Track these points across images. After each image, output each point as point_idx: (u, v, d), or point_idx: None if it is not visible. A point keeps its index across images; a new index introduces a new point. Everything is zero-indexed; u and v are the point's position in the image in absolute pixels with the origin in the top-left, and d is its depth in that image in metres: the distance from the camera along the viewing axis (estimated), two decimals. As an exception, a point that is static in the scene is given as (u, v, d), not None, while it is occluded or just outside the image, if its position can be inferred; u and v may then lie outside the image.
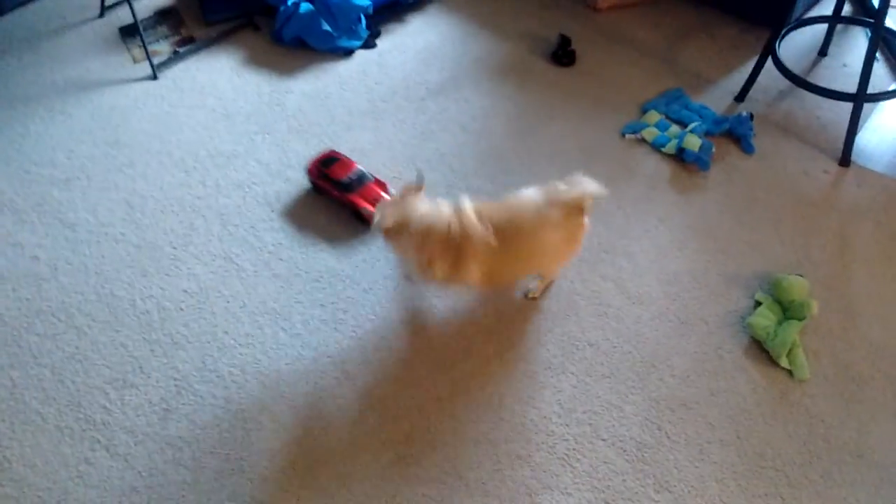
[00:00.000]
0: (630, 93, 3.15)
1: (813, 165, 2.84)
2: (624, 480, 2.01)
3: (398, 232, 2.09)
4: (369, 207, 2.55)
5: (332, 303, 2.40)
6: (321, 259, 2.51)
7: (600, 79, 3.21)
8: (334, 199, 2.65)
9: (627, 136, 2.94)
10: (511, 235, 2.06)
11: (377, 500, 1.96)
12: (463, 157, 2.87)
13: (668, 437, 2.10)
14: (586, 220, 2.14)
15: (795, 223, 2.64)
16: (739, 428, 2.12)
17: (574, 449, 2.07)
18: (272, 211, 2.67)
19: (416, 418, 2.12)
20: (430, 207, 2.11)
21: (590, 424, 2.12)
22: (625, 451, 2.07)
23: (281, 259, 2.52)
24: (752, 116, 2.92)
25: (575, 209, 2.09)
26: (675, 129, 2.94)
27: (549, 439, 2.09)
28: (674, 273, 2.49)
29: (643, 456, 2.06)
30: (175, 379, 2.21)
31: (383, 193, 2.62)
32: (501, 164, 2.84)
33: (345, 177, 2.62)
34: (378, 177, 2.69)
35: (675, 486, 2.01)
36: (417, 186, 2.14)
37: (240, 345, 2.29)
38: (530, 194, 2.11)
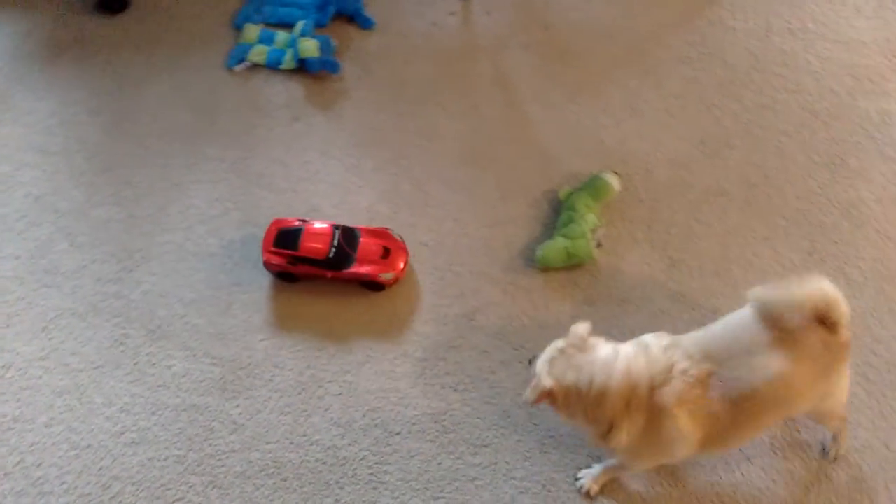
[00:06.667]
0: (211, 13, 2.55)
1: (436, 12, 2.52)
2: None
3: (566, 397, 1.51)
4: (387, 271, 1.96)
5: None
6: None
7: (168, 12, 2.55)
8: (330, 280, 1.98)
9: (236, 68, 2.42)
10: (740, 384, 1.46)
11: None
12: (66, 194, 2.19)
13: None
14: (846, 336, 1.49)
15: (455, 88, 2.37)
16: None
17: None
18: None
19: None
20: (604, 354, 1.52)
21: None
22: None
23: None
24: (353, -15, 2.52)
25: (822, 328, 1.46)
26: (283, 35, 2.44)
27: None
28: (385, 216, 2.14)
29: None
30: None
31: (386, 246, 1.99)
32: (124, 182, 2.22)
33: (329, 248, 1.93)
34: (353, 224, 2.04)
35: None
36: (584, 333, 1.54)
37: None
38: (745, 316, 1.52)
